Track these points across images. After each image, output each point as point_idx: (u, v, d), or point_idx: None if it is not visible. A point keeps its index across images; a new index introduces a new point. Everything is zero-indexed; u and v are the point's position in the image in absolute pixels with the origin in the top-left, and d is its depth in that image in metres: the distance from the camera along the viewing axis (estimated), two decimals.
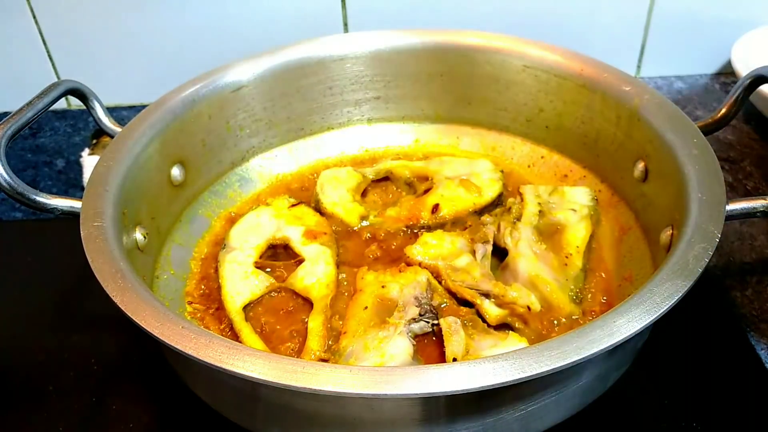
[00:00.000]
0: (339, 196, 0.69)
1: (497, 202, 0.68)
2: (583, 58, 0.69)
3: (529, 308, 0.55)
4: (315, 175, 0.74)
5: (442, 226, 0.66)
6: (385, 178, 0.73)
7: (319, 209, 0.68)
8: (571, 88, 0.69)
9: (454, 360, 0.50)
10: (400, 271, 0.59)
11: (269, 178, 0.75)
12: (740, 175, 0.79)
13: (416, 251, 0.61)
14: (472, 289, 0.57)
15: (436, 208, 0.66)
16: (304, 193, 0.73)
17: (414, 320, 0.54)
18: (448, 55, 0.74)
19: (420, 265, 0.60)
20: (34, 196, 0.54)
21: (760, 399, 0.55)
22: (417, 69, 0.75)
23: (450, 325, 0.53)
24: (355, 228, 0.67)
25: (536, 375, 0.39)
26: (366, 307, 0.56)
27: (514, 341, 0.51)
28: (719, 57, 0.96)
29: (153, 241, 0.60)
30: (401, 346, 0.51)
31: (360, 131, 0.79)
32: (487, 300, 0.56)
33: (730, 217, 0.51)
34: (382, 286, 0.57)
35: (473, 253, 0.61)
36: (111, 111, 0.67)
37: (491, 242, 0.62)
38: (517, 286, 0.56)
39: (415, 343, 0.53)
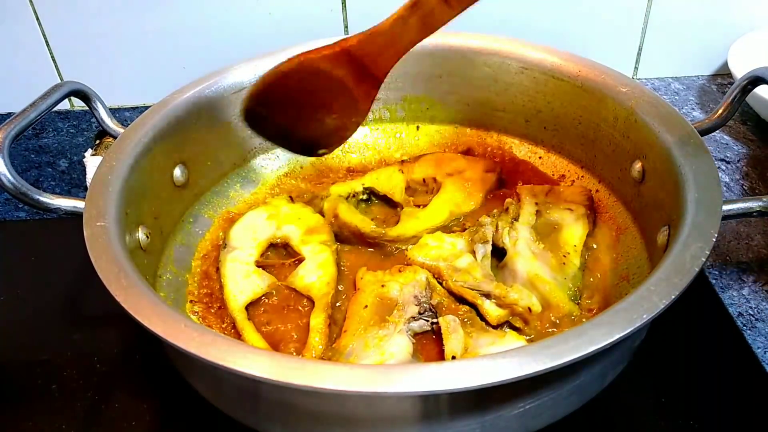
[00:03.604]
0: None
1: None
2: (581, 59, 0.69)
3: (530, 309, 0.55)
4: (316, 175, 0.75)
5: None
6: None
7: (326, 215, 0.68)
8: (568, 90, 0.69)
9: (453, 358, 0.51)
10: (399, 271, 0.59)
11: (270, 179, 0.75)
12: (737, 175, 0.79)
13: (417, 253, 0.62)
14: (473, 289, 0.57)
15: None
16: (304, 193, 0.73)
17: (413, 319, 0.55)
18: (446, 56, 0.74)
19: (422, 266, 0.60)
20: (38, 196, 0.54)
21: (757, 397, 0.55)
22: (416, 70, 0.76)
23: (449, 323, 0.53)
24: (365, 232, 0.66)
25: (534, 373, 0.40)
26: (366, 306, 0.56)
27: (512, 339, 0.52)
28: (716, 59, 0.96)
29: (155, 241, 0.61)
30: (401, 344, 0.52)
31: (360, 132, 0.79)
32: (487, 300, 0.56)
33: (727, 217, 0.52)
34: (382, 286, 0.58)
35: (473, 253, 0.61)
36: (114, 112, 0.67)
37: (491, 242, 0.62)
38: (518, 287, 0.57)
39: (414, 341, 0.54)
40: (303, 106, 0.59)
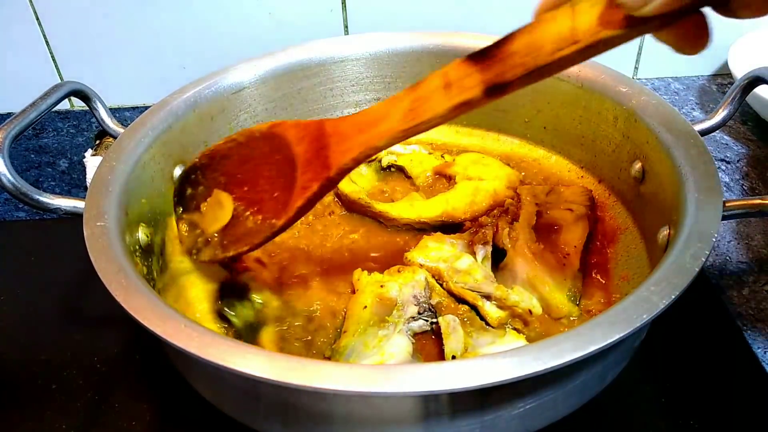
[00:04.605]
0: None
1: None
2: None
3: (530, 311, 0.55)
4: None
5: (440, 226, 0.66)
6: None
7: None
8: (568, 90, 0.69)
9: (453, 358, 0.51)
10: (399, 271, 0.59)
11: None
12: (737, 175, 0.79)
13: (417, 254, 0.62)
14: (473, 291, 0.57)
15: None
16: None
17: (413, 319, 0.55)
18: (447, 56, 0.74)
19: (421, 267, 0.60)
20: (38, 196, 0.54)
21: (757, 397, 0.55)
22: (416, 70, 0.76)
23: (449, 323, 0.53)
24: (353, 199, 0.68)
25: (535, 373, 0.40)
26: (365, 307, 0.56)
27: (512, 338, 0.52)
28: (716, 58, 0.96)
29: (156, 241, 0.61)
30: (401, 344, 0.52)
31: None
32: (488, 302, 0.56)
33: (727, 217, 0.51)
34: (381, 286, 0.58)
35: (473, 254, 0.61)
36: (114, 112, 0.67)
37: (491, 243, 0.62)
38: (519, 289, 0.56)
39: (414, 341, 0.54)
40: (242, 173, 0.51)
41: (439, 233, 0.64)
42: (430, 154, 0.76)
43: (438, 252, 0.61)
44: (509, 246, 0.61)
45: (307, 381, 0.40)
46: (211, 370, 0.42)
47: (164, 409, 0.56)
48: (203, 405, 0.52)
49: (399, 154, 0.75)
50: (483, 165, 0.72)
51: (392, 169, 0.75)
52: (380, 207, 0.68)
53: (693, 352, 0.59)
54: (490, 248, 0.62)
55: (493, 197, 0.68)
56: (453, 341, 0.52)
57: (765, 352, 0.59)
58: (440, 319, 0.54)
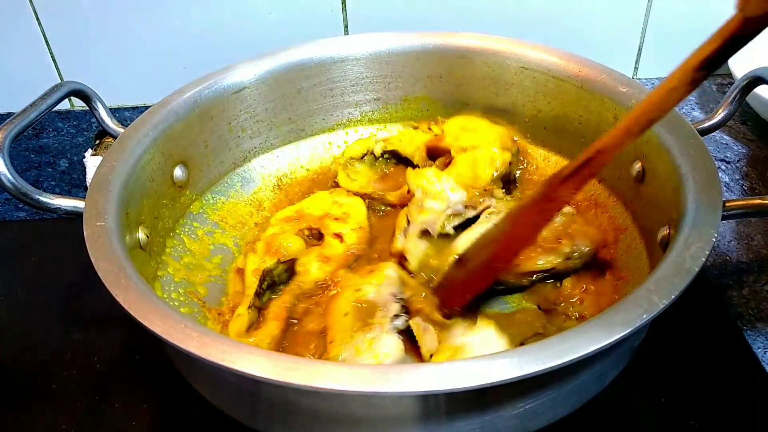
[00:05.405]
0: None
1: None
2: (581, 59, 0.69)
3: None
4: (315, 177, 0.76)
5: None
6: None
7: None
8: (568, 90, 0.69)
9: (431, 357, 0.51)
10: (370, 272, 0.59)
11: (271, 179, 0.75)
12: (737, 175, 0.79)
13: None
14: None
15: None
16: (304, 193, 0.73)
17: (397, 316, 0.54)
18: (446, 56, 0.74)
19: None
20: (38, 196, 0.54)
21: (757, 397, 0.55)
22: (416, 70, 0.76)
23: (419, 324, 0.53)
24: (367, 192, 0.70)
25: (534, 373, 0.40)
26: (346, 314, 0.55)
27: (482, 326, 0.52)
28: None
29: (155, 241, 0.61)
30: (391, 343, 0.51)
31: (360, 132, 0.79)
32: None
33: (727, 217, 0.52)
34: (357, 290, 0.57)
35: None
36: (114, 112, 0.67)
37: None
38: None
39: (403, 338, 0.54)
40: None
41: (435, 168, 0.66)
42: (416, 128, 0.75)
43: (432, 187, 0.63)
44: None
45: (307, 381, 0.40)
46: (211, 370, 0.42)
47: (164, 409, 0.56)
48: (203, 405, 0.52)
49: (386, 138, 0.75)
50: (472, 130, 0.72)
51: (386, 156, 0.74)
52: (392, 196, 0.69)
53: (693, 352, 0.59)
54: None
55: (493, 164, 0.68)
56: (427, 341, 0.52)
57: (765, 352, 0.58)
58: (411, 322, 0.54)
